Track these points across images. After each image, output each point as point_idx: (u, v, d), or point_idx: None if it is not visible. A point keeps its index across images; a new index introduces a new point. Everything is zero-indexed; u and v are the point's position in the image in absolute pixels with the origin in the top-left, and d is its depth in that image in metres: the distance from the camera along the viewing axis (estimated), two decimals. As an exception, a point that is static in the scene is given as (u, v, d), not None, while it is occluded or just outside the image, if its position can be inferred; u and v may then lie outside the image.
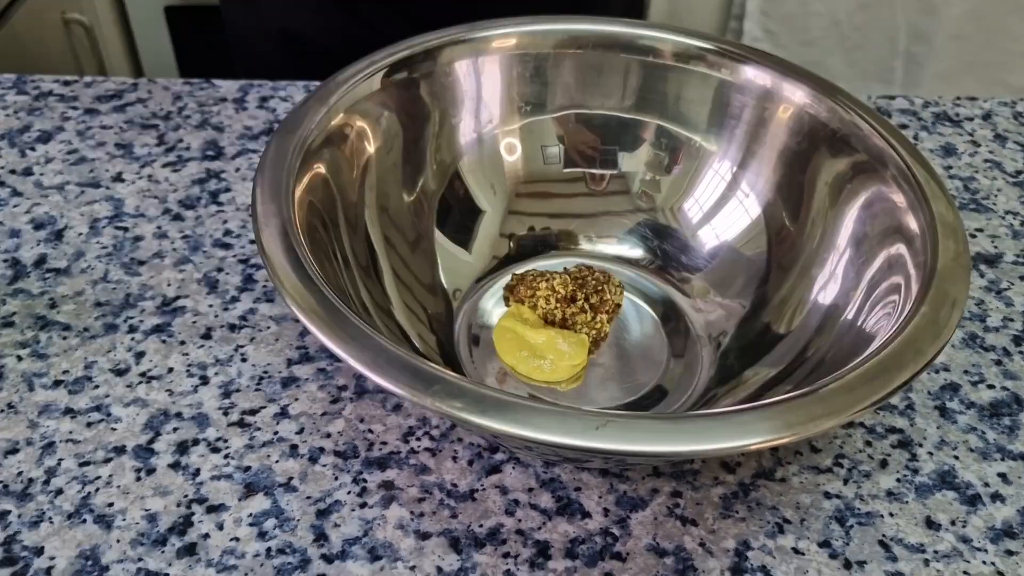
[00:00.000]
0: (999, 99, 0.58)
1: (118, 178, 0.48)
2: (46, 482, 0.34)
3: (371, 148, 0.38)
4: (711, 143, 0.41)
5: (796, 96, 0.39)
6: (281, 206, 0.32)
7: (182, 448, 0.35)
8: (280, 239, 0.31)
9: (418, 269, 0.40)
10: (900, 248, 0.33)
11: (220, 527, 0.33)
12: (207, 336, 0.40)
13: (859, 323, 0.33)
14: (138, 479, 0.34)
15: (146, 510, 0.33)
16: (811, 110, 0.39)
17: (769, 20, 1.08)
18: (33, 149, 0.50)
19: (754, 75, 0.40)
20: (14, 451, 0.35)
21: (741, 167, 0.40)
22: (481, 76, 0.41)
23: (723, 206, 0.41)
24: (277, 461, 0.35)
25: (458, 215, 0.42)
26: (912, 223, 0.33)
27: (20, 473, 0.34)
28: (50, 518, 0.33)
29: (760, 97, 0.40)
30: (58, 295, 0.41)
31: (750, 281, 0.39)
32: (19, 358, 0.38)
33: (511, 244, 0.43)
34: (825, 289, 0.36)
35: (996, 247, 0.47)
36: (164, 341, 0.39)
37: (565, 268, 0.41)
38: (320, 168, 0.35)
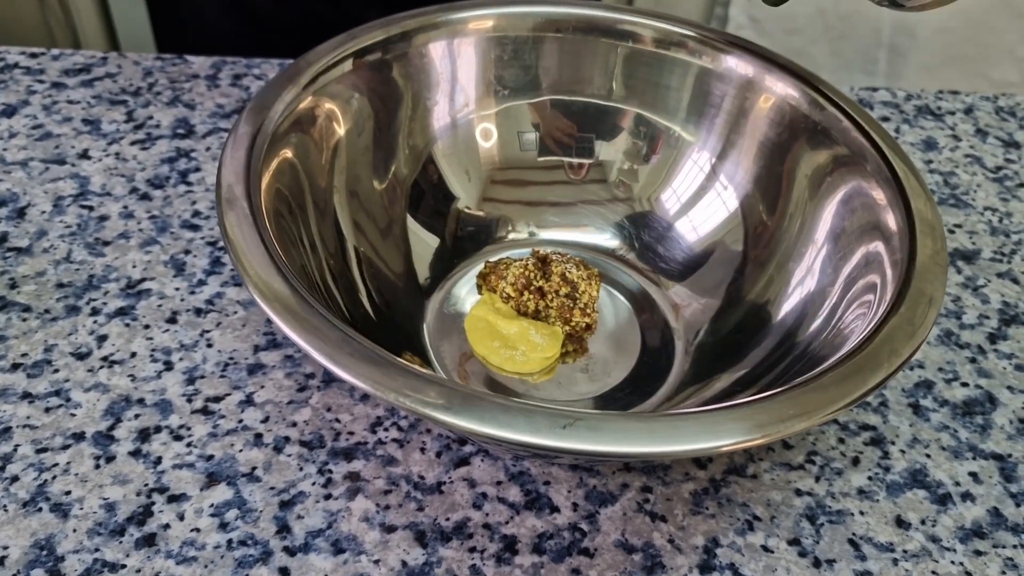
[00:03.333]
0: (981, 94, 0.58)
1: (84, 155, 0.47)
2: (1, 468, 0.33)
3: (341, 131, 0.37)
4: (690, 132, 0.40)
5: (778, 86, 0.38)
6: (247, 190, 0.31)
7: (143, 435, 0.34)
8: (245, 225, 0.30)
9: (388, 255, 0.39)
10: (878, 246, 0.33)
11: (181, 517, 0.32)
12: (172, 320, 0.39)
13: (835, 320, 0.33)
14: (97, 467, 0.33)
15: (104, 499, 0.32)
16: (792, 101, 0.38)
17: (754, 7, 1.08)
18: (-4, 123, 0.48)
19: (736, 64, 0.39)
20: (-32, 436, 0.34)
21: (720, 158, 0.40)
22: (457, 58, 0.40)
23: (701, 197, 0.40)
24: (241, 450, 0.34)
25: (431, 201, 0.41)
26: (891, 220, 0.33)
27: (-26, 459, 0.33)
28: (4, 506, 0.32)
29: (741, 86, 0.39)
30: (19, 275, 0.40)
31: (726, 274, 0.39)
32: (-24, 340, 0.37)
33: (485, 231, 0.42)
34: (802, 284, 0.35)
35: (974, 243, 0.47)
36: (128, 325, 0.38)
37: (539, 256, 0.40)
38: (288, 152, 0.34)
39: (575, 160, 0.42)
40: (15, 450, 0.34)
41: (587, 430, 0.24)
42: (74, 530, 0.31)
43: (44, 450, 0.34)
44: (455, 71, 0.41)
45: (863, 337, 0.29)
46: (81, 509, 0.32)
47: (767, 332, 0.35)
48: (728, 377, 0.35)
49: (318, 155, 0.36)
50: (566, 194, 0.42)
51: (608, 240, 0.42)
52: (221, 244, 0.42)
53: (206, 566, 0.31)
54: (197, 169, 0.46)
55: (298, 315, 0.27)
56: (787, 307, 0.35)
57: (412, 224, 0.40)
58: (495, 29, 0.41)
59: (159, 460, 0.34)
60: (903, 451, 0.36)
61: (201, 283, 0.40)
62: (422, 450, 0.35)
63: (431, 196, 0.41)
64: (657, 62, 0.40)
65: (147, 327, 0.38)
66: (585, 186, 0.42)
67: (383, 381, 0.25)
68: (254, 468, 0.34)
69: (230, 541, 0.31)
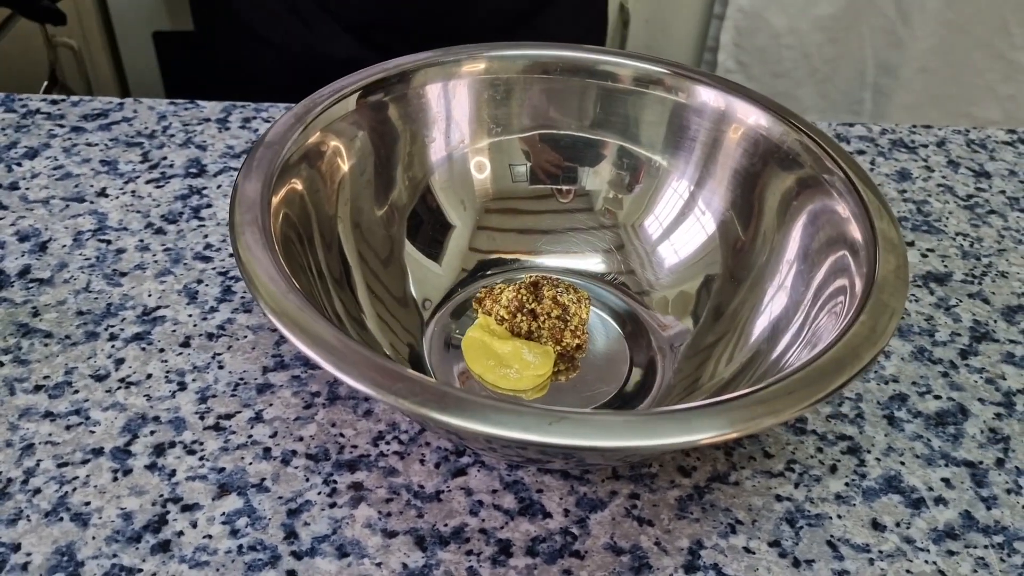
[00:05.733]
0: (953, 127, 0.61)
1: (102, 193, 0.50)
2: (24, 482, 0.35)
3: (345, 167, 0.40)
4: (669, 163, 0.43)
5: (749, 118, 0.41)
6: (259, 213, 0.33)
7: (159, 450, 0.36)
8: (256, 245, 0.32)
9: (390, 282, 0.41)
10: (845, 255, 0.35)
11: (194, 525, 0.34)
12: (186, 344, 0.41)
13: (807, 329, 0.35)
14: (115, 479, 0.35)
15: (122, 509, 0.34)
16: (763, 131, 0.41)
17: (742, 52, 1.12)
18: (19, 164, 0.51)
19: (709, 98, 0.42)
20: (-6, 452, 0.36)
21: (698, 185, 0.43)
22: (452, 98, 0.43)
23: (681, 223, 0.43)
24: (251, 463, 0.36)
25: (429, 230, 0.43)
26: (856, 233, 0.35)
27: None
28: (27, 516, 0.34)
29: (715, 119, 0.42)
30: (41, 304, 0.42)
31: (706, 294, 0.41)
32: (0, 364, 0.39)
33: (480, 258, 0.44)
34: (775, 300, 0.38)
35: (946, 266, 0.49)
36: (144, 349, 0.41)
37: (532, 281, 0.42)
38: (297, 183, 0.37)
39: (563, 187, 0.45)
40: (38, 464, 0.36)
41: (572, 426, 0.26)
42: (93, 537, 0.33)
43: (65, 464, 0.36)
44: (450, 110, 0.44)
45: (829, 344, 0.31)
46: (100, 518, 0.34)
47: (744, 345, 0.38)
48: (709, 388, 0.37)
49: (324, 187, 0.39)
50: (556, 222, 0.45)
51: (597, 265, 0.45)
52: (232, 274, 0.45)
53: (218, 570, 0.32)
54: (209, 205, 0.49)
55: (305, 328, 0.29)
56: (761, 322, 0.38)
57: (411, 251, 0.42)
58: (487, 71, 0.44)
59: (173, 472, 0.36)
60: (879, 459, 0.38)
61: (213, 310, 0.43)
62: (421, 461, 0.37)
63: (429, 225, 0.43)
64: (636, 98, 0.44)
65: (162, 351, 0.41)
66: (574, 214, 0.45)
67: (385, 385, 0.28)
68: (263, 479, 0.36)
69: (240, 546, 0.33)
